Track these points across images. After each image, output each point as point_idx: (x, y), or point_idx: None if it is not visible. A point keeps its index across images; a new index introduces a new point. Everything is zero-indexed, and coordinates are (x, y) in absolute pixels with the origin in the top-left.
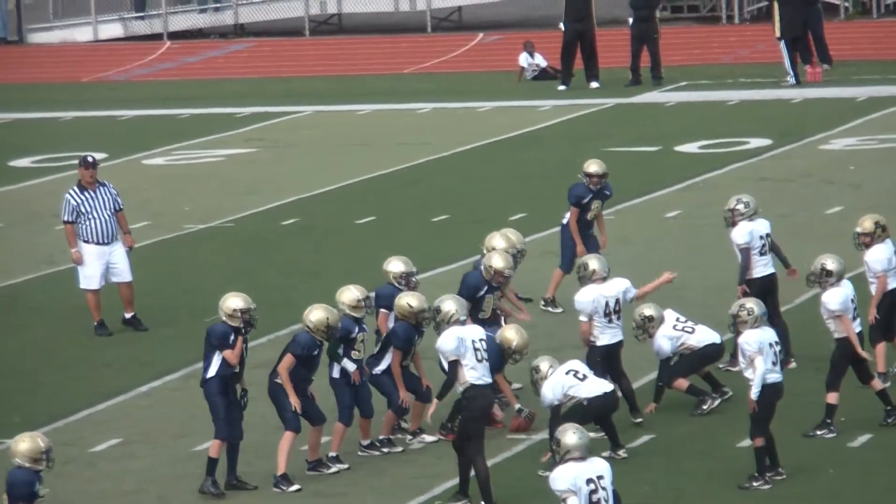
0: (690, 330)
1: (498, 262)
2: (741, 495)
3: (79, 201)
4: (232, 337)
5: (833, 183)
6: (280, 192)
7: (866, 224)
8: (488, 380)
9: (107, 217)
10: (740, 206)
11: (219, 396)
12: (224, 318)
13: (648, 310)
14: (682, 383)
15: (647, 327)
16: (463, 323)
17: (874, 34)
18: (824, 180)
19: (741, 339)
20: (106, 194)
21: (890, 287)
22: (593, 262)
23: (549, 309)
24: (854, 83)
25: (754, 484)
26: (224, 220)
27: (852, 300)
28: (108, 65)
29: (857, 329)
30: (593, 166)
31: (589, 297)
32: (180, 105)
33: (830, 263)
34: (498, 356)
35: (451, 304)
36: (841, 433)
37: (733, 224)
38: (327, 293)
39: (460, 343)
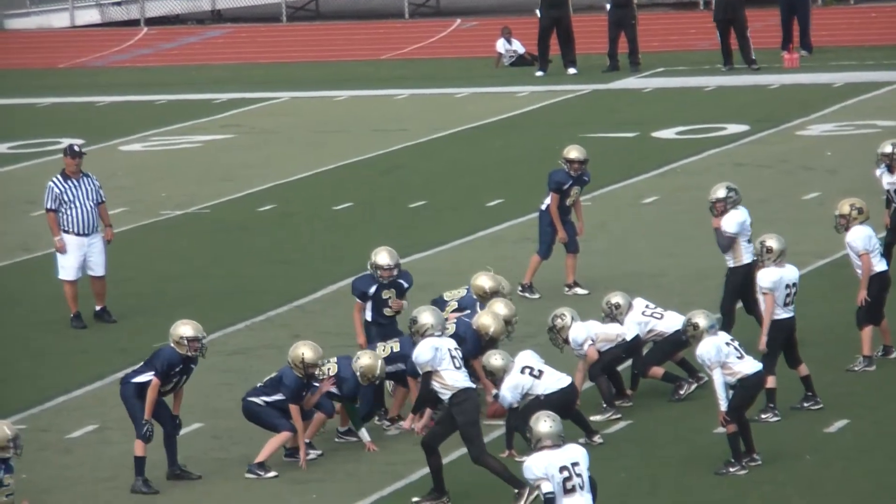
0: (659, 316)
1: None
2: (717, 481)
3: (62, 189)
4: (179, 367)
5: (810, 169)
6: (257, 178)
7: (843, 207)
8: (471, 383)
9: (89, 208)
10: (732, 195)
11: (136, 399)
12: (172, 344)
13: (616, 297)
14: (658, 371)
15: (614, 315)
16: (439, 335)
17: (851, 20)
18: (801, 166)
19: (698, 352)
20: (89, 185)
21: (876, 270)
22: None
23: (526, 295)
24: (831, 69)
25: (730, 470)
26: (201, 207)
27: (788, 285)
28: (85, 51)
29: (789, 315)
30: (574, 152)
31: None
32: (157, 91)
33: (770, 241)
34: (475, 342)
35: (428, 317)
36: (817, 419)
37: (722, 212)
38: (304, 280)
39: (436, 353)
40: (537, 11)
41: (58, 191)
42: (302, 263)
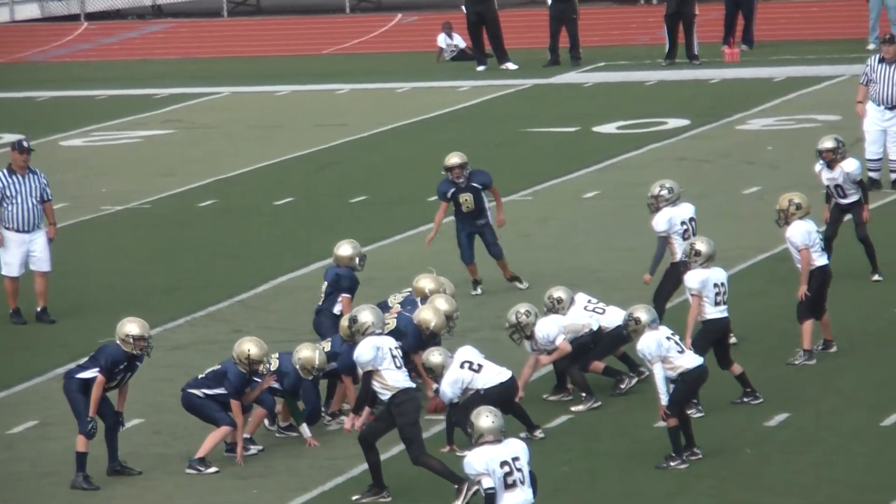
0: (601, 311)
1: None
2: (658, 475)
3: (5, 184)
4: (123, 364)
5: (751, 163)
6: (198, 173)
7: (783, 202)
8: (411, 383)
9: (31, 205)
10: (664, 192)
11: (80, 395)
12: (117, 341)
13: (558, 292)
14: (598, 365)
15: (556, 309)
16: (380, 334)
17: (791, 15)
18: (742, 160)
19: (639, 347)
20: (35, 182)
21: (817, 264)
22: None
23: (517, 285)
24: (772, 63)
25: (671, 464)
26: (141, 202)
27: (716, 284)
28: (25, 46)
29: (722, 315)
30: (452, 158)
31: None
32: (98, 86)
33: (699, 244)
34: (416, 337)
35: (368, 315)
36: (757, 413)
37: (657, 210)
38: (245, 275)
39: (377, 352)
40: (463, 7)
41: (1, 185)
42: (243, 258)
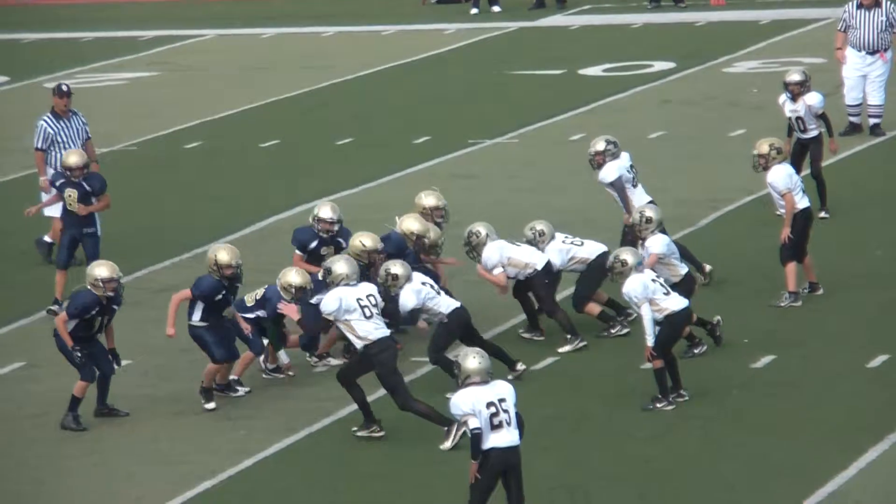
0: (580, 243)
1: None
2: (645, 416)
3: (55, 130)
4: (95, 310)
5: (736, 105)
6: (183, 115)
7: (762, 147)
8: (386, 331)
9: (78, 147)
10: (610, 147)
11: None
12: (88, 286)
13: (540, 224)
14: (594, 308)
15: (537, 241)
16: (353, 285)
17: None
18: (728, 103)
19: (625, 290)
20: (77, 124)
21: (799, 207)
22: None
23: None
24: (757, 6)
25: (658, 405)
26: (127, 144)
27: (674, 241)
28: None
29: (686, 270)
30: (70, 157)
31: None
32: (83, 28)
33: (649, 212)
34: (398, 246)
35: (342, 267)
36: (744, 354)
37: (600, 165)
38: (230, 216)
39: (340, 303)
40: None
41: (51, 131)
42: (229, 200)
